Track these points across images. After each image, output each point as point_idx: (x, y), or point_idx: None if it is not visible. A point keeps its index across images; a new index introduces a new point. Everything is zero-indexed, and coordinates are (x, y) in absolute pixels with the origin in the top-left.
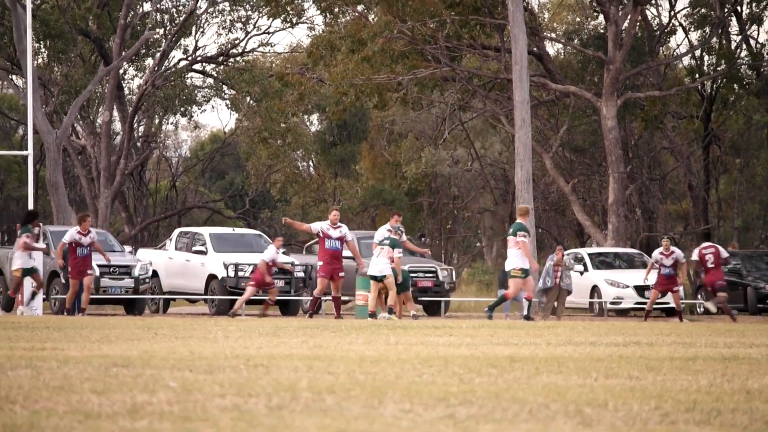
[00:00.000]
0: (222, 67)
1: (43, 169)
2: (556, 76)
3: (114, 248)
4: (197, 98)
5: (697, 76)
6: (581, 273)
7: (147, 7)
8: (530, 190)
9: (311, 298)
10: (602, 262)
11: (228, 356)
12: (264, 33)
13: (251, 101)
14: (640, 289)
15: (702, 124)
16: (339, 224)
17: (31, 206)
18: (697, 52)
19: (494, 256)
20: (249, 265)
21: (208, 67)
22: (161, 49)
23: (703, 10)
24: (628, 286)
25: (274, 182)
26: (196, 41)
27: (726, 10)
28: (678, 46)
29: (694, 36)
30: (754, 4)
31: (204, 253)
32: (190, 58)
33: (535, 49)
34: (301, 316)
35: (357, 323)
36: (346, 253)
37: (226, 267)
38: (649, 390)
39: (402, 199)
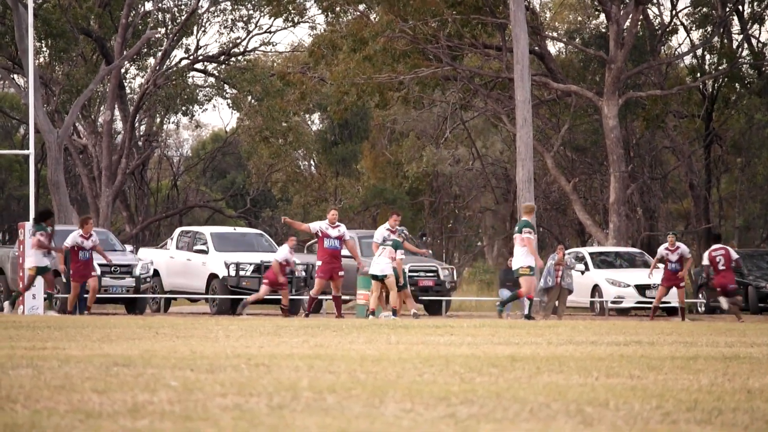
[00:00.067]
0: (223, 66)
1: (44, 169)
2: (557, 76)
3: (115, 247)
4: (198, 97)
5: (698, 75)
6: (582, 272)
7: (148, 6)
8: (531, 189)
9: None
10: (603, 261)
11: (229, 355)
12: (265, 32)
13: (252, 100)
14: (641, 289)
15: (703, 123)
16: (337, 224)
17: (32, 205)
18: (699, 52)
19: (495, 256)
20: (250, 264)
21: (210, 67)
22: (163, 48)
23: (704, 10)
24: (629, 286)
25: (275, 181)
26: (198, 40)
27: (727, 9)
28: (679, 45)
29: (696, 35)
30: (755, 4)
31: (205, 252)
32: (191, 58)
33: (536, 48)
34: (301, 315)
35: (358, 322)
36: (345, 252)
37: (227, 266)
38: (651, 389)
39: (403, 198)
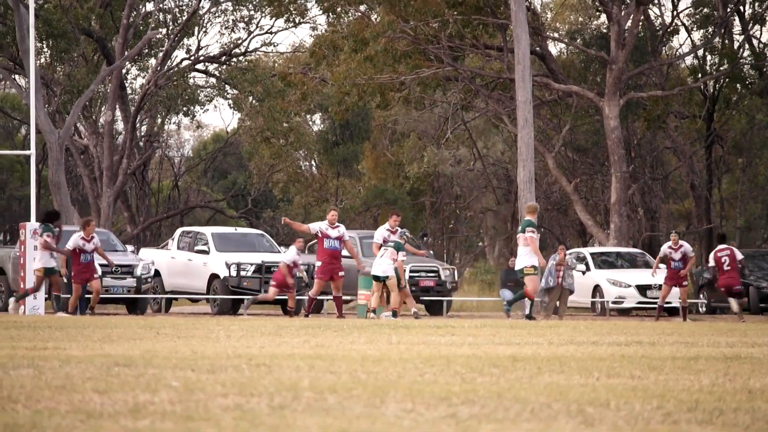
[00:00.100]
0: (224, 66)
1: (45, 169)
2: (558, 76)
3: (116, 248)
4: (200, 98)
5: (699, 75)
6: (583, 272)
7: (150, 6)
8: (533, 189)
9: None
10: (604, 261)
11: (230, 356)
12: (267, 33)
13: (254, 101)
14: (643, 289)
15: (704, 123)
16: (337, 224)
17: (33, 206)
18: (700, 52)
19: (496, 256)
20: (251, 264)
21: (211, 67)
22: (164, 48)
23: (705, 10)
24: (630, 286)
25: (276, 182)
26: (199, 41)
27: (729, 9)
28: (681, 45)
29: (697, 36)
30: (756, 4)
31: (206, 252)
32: (192, 58)
33: (537, 48)
34: (301, 315)
35: (359, 323)
36: (345, 252)
37: (229, 266)
38: (652, 389)
39: (404, 198)
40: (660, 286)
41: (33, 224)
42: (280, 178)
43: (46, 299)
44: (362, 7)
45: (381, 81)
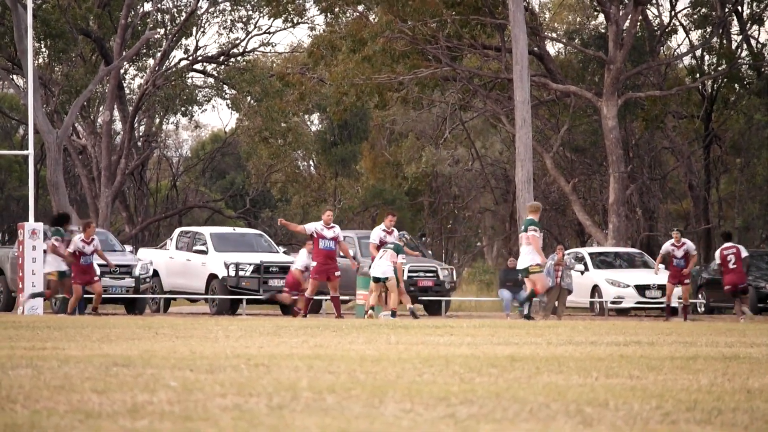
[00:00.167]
0: (223, 66)
1: (43, 169)
2: (556, 76)
3: (114, 248)
4: (198, 98)
5: (697, 75)
6: (582, 272)
7: (148, 6)
8: (531, 189)
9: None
10: (603, 261)
11: (229, 356)
12: (265, 33)
13: (252, 101)
14: (641, 289)
15: (703, 123)
16: (332, 224)
17: (31, 206)
18: (698, 52)
19: (495, 256)
20: (249, 264)
21: (209, 67)
22: (162, 48)
23: (703, 10)
24: (628, 286)
25: (274, 182)
26: (197, 41)
27: (727, 9)
28: (679, 45)
29: (695, 36)
30: (754, 4)
31: (205, 252)
32: (190, 58)
33: (535, 48)
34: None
35: (357, 323)
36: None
37: (227, 266)
38: (650, 389)
39: (402, 198)
40: (658, 285)
41: (31, 224)
42: (279, 178)
43: (44, 300)
44: (360, 7)
45: (379, 81)
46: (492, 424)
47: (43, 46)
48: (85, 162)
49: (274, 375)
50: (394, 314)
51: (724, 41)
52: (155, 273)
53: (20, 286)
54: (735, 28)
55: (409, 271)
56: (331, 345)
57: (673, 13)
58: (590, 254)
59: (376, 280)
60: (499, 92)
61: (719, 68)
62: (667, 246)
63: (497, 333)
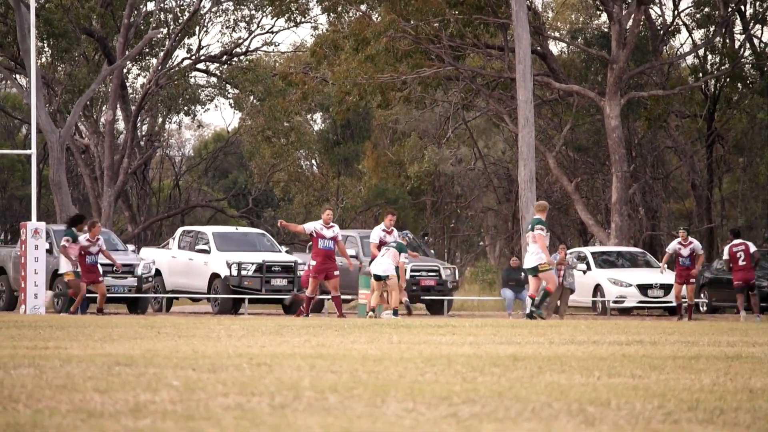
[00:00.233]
0: (225, 66)
1: (46, 168)
2: (559, 75)
3: (117, 247)
4: (200, 97)
5: (700, 75)
6: (584, 272)
7: (151, 6)
8: (533, 189)
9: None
10: (605, 261)
11: (231, 355)
12: (268, 32)
13: (254, 100)
14: (643, 288)
15: (705, 123)
16: (332, 224)
17: (34, 205)
18: (701, 51)
19: (497, 255)
20: (252, 264)
21: (212, 67)
22: (165, 48)
23: (706, 9)
24: (631, 285)
25: (277, 181)
26: (200, 40)
27: (730, 9)
28: (681, 45)
29: (698, 35)
30: (758, 4)
31: (207, 252)
32: (193, 58)
33: (538, 48)
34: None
35: (360, 322)
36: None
37: (229, 266)
38: (652, 389)
39: (405, 198)
40: (660, 285)
41: (34, 223)
42: (281, 178)
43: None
44: (363, 7)
45: (382, 80)
46: (494, 423)
47: (46, 45)
48: (87, 161)
49: (277, 374)
50: (395, 313)
51: (727, 40)
52: (158, 272)
53: (22, 285)
54: (738, 27)
55: (412, 271)
56: (333, 344)
57: (676, 12)
58: (593, 254)
59: (377, 278)
60: (502, 92)
61: (722, 68)
62: (674, 245)
63: (500, 332)
